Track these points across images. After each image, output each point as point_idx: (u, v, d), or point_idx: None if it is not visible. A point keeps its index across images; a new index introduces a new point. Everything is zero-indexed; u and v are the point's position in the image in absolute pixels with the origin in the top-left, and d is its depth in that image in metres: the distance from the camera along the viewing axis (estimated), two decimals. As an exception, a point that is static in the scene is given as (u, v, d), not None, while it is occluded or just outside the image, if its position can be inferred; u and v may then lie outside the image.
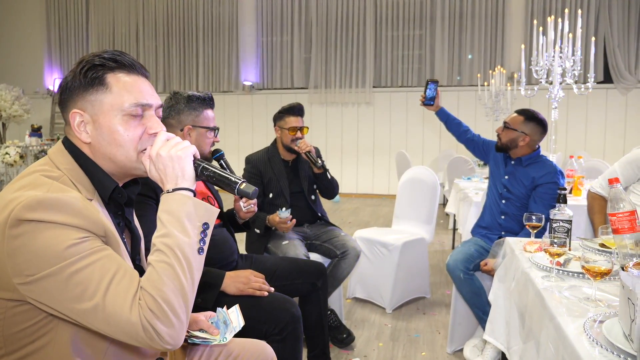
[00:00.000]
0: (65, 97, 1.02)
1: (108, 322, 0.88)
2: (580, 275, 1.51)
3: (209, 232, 1.01)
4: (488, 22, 8.23)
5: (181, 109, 1.91)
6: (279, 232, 2.62)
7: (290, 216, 2.46)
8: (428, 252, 3.51)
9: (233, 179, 1.07)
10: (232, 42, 9.27)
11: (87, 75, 1.00)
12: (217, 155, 1.98)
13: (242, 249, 2.43)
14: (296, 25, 8.96)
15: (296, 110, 2.74)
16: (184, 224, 0.97)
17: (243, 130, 9.37)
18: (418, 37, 8.58)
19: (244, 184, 1.07)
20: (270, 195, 2.72)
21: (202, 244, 0.99)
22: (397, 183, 3.76)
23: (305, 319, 2.14)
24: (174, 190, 1.00)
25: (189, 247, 0.96)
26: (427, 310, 3.29)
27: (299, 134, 2.69)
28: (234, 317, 1.39)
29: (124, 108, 1.01)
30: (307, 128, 2.76)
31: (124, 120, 1.01)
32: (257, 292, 1.84)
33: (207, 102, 1.96)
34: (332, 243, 2.71)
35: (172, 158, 1.01)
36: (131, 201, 1.15)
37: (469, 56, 8.37)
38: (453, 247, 5.02)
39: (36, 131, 7.02)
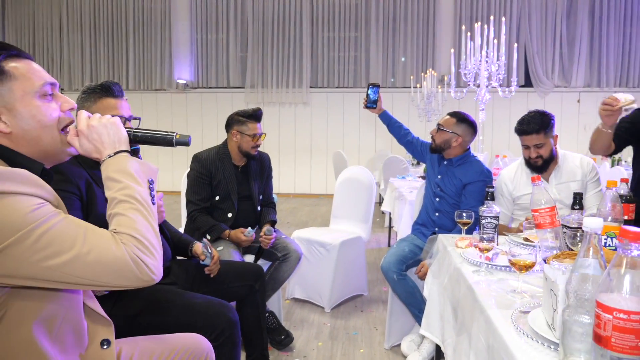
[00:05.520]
0: None
1: (93, 266, 0.91)
2: (507, 268, 1.59)
3: (155, 187, 1.11)
4: (420, 26, 8.52)
5: (77, 104, 1.76)
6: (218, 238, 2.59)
7: (254, 235, 2.57)
8: (365, 250, 3.56)
9: (167, 133, 1.16)
10: (165, 39, 8.96)
11: None
12: (132, 149, 1.85)
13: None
14: (232, 24, 8.81)
15: (259, 116, 2.67)
16: (135, 177, 1.05)
17: (177, 130, 8.96)
18: (353, 39, 8.73)
19: (179, 135, 1.16)
20: (217, 197, 2.64)
21: (152, 196, 1.08)
22: (335, 183, 3.79)
23: (243, 322, 2.10)
24: (115, 153, 1.07)
25: (146, 195, 1.05)
26: (364, 308, 3.34)
27: (260, 141, 2.66)
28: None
29: (36, 90, 1.02)
30: (265, 134, 2.71)
31: (41, 101, 1.03)
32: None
33: (102, 89, 1.76)
34: (273, 246, 2.68)
35: (105, 126, 1.08)
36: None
37: (402, 59, 8.62)
38: (389, 245, 5.14)
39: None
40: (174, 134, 1.16)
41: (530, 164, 2.39)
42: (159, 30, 8.98)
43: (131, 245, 0.95)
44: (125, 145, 1.10)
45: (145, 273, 0.95)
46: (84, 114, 1.10)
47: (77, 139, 1.08)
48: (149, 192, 1.06)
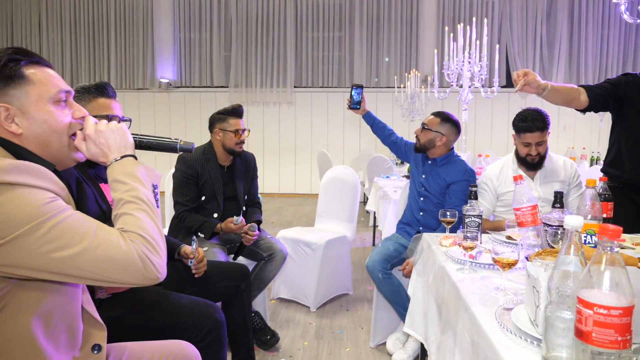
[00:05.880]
0: None
1: (100, 261, 0.93)
2: (491, 266, 1.61)
3: (158, 192, 1.15)
4: (403, 26, 8.58)
5: None
6: (202, 239, 2.57)
7: (243, 220, 2.56)
8: (350, 250, 3.58)
9: (171, 140, 1.21)
10: (147, 37, 8.86)
11: (4, 72, 1.03)
12: None
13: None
14: (215, 22, 8.76)
15: (239, 112, 2.67)
16: (141, 179, 1.10)
17: (160, 129, 8.98)
18: (337, 38, 8.75)
19: (182, 142, 1.21)
20: (203, 198, 2.63)
21: (156, 200, 1.12)
22: (319, 182, 3.80)
23: (229, 322, 2.09)
24: (121, 157, 1.12)
25: (151, 197, 1.09)
26: (350, 307, 3.35)
27: (243, 137, 2.64)
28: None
29: (51, 96, 1.07)
30: (249, 130, 2.71)
31: (54, 107, 1.07)
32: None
33: (96, 89, 1.77)
34: (258, 246, 2.68)
35: (113, 131, 1.13)
36: None
37: (386, 59, 8.67)
38: (374, 244, 5.17)
39: None
40: (178, 141, 1.21)
41: (527, 161, 2.41)
42: (141, 28, 8.88)
43: (139, 243, 0.98)
44: (131, 150, 1.15)
45: (152, 271, 0.98)
46: (91, 119, 1.14)
47: (84, 143, 1.12)
48: (153, 196, 1.11)
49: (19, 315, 0.97)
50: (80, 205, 1.62)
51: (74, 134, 1.12)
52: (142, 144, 1.21)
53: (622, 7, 1.36)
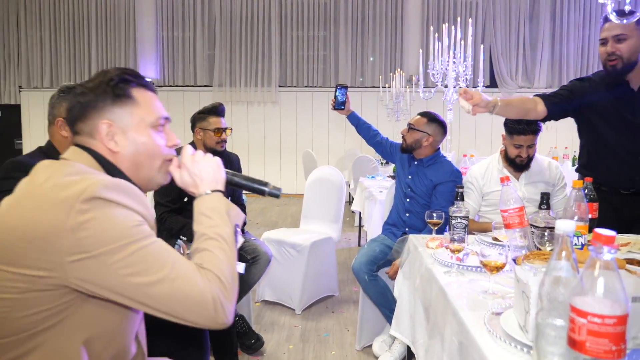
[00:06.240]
0: (87, 107, 1.05)
1: (174, 294, 0.91)
2: (478, 269, 1.59)
3: (239, 232, 1.17)
4: (388, 26, 8.59)
5: (54, 103, 1.74)
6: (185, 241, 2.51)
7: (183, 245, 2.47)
8: (335, 250, 3.55)
9: (260, 183, 1.22)
10: (129, 36, 8.72)
11: (116, 90, 1.06)
12: None
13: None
14: (199, 21, 8.66)
15: (219, 110, 2.62)
16: (226, 218, 1.09)
17: (142, 129, 8.86)
18: (322, 38, 8.72)
19: (272, 186, 1.22)
20: (186, 199, 2.57)
21: (236, 241, 1.10)
22: (304, 182, 3.76)
23: (212, 328, 2.05)
24: (212, 191, 1.12)
25: (232, 237, 1.07)
26: (335, 309, 3.32)
27: (224, 135, 2.59)
28: None
29: (152, 120, 1.09)
30: (231, 129, 2.65)
31: (153, 131, 1.10)
32: None
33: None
34: (242, 248, 2.63)
35: (208, 164, 1.15)
36: None
37: (371, 58, 8.67)
38: (359, 244, 5.15)
39: None
40: (267, 185, 1.22)
41: (515, 162, 2.41)
42: (122, 26, 8.74)
43: (214, 284, 0.95)
44: (222, 186, 1.16)
45: (221, 316, 0.94)
46: (189, 149, 1.16)
47: (179, 171, 1.14)
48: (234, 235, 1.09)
49: (73, 332, 0.95)
50: None
51: (170, 160, 1.14)
52: (232, 182, 1.22)
53: (609, 7, 1.35)
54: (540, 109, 2.16)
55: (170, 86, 8.83)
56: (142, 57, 8.76)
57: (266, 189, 1.21)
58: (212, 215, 1.08)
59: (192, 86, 8.82)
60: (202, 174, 1.13)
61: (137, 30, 8.71)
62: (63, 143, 1.72)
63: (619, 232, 2.09)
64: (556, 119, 2.31)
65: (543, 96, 2.21)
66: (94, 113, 1.05)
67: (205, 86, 8.80)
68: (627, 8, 1.36)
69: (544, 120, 2.26)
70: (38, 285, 0.89)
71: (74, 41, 8.81)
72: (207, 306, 0.93)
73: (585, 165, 2.33)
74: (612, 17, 1.39)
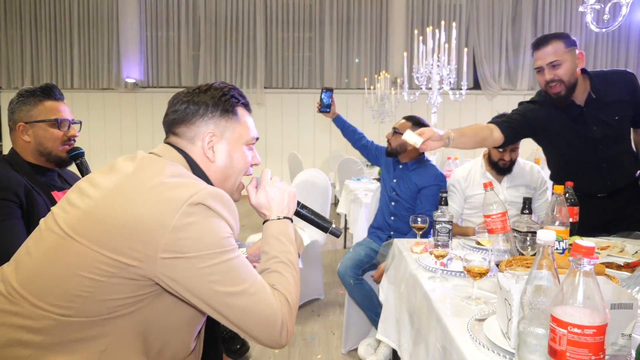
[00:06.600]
0: (196, 114, 1.12)
1: (250, 308, 0.95)
2: (462, 274, 1.61)
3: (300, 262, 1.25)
4: (373, 28, 8.62)
5: (14, 108, 1.66)
6: None
7: None
8: (321, 253, 3.55)
9: (325, 221, 1.29)
10: (112, 35, 8.61)
11: (226, 105, 1.14)
12: (75, 153, 1.73)
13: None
14: (183, 21, 8.59)
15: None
16: (295, 246, 1.15)
17: (126, 131, 8.76)
18: (308, 39, 8.72)
19: (334, 225, 1.29)
20: None
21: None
22: (290, 184, 3.75)
23: (197, 334, 2.03)
24: (284, 217, 1.19)
25: (298, 265, 1.13)
26: (321, 312, 3.33)
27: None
28: None
29: (247, 139, 1.18)
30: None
31: (245, 149, 1.18)
32: None
33: (42, 92, 1.67)
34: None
35: (284, 191, 1.22)
36: None
37: (356, 60, 8.69)
38: (345, 247, 5.16)
39: None
40: (331, 224, 1.30)
41: (498, 165, 2.45)
42: (105, 25, 8.63)
43: (284, 307, 1.00)
44: (291, 215, 1.22)
45: (284, 338, 0.99)
46: (269, 173, 1.25)
47: (255, 190, 1.22)
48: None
49: (139, 324, 0.99)
50: (30, 214, 1.54)
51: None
52: (299, 214, 1.27)
53: (589, 17, 1.37)
54: (497, 135, 2.16)
55: (154, 87, 8.74)
56: (125, 57, 8.66)
57: (329, 226, 1.29)
58: (284, 240, 1.13)
59: (177, 87, 8.73)
60: (278, 199, 1.20)
61: (121, 30, 8.61)
62: (26, 148, 1.65)
63: (601, 231, 2.14)
64: (514, 143, 2.32)
65: (497, 122, 2.21)
66: (202, 121, 1.12)
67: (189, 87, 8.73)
68: (605, 17, 1.39)
69: (502, 146, 2.25)
70: (125, 273, 0.93)
71: (55, 41, 8.67)
72: (276, 327, 0.98)
73: (554, 177, 2.37)
74: (592, 27, 1.41)
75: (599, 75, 2.11)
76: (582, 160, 2.18)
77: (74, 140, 1.76)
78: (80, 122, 1.79)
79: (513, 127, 2.18)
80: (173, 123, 1.14)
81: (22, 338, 0.94)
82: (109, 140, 8.61)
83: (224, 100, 1.14)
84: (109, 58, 8.64)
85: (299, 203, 1.26)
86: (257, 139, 1.22)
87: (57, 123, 1.68)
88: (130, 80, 8.62)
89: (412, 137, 1.93)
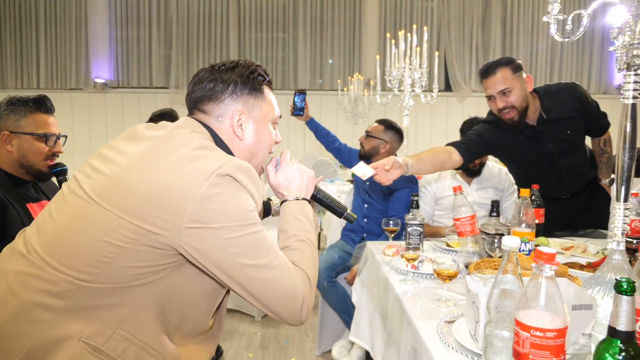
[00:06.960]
0: (225, 92, 1.12)
1: (272, 282, 0.96)
2: (433, 276, 1.64)
3: None
4: (346, 29, 8.67)
5: (0, 114, 1.62)
6: None
7: None
8: (295, 256, 3.56)
9: (340, 206, 1.30)
10: (80, 34, 8.39)
11: (254, 83, 1.15)
12: (57, 170, 1.71)
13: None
14: (154, 20, 8.45)
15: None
16: (313, 225, 1.17)
17: (95, 133, 8.55)
18: (281, 40, 8.70)
19: (348, 211, 1.31)
20: None
21: None
22: (264, 187, 3.74)
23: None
24: (302, 198, 1.20)
25: (317, 245, 1.15)
26: (295, 314, 3.33)
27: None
28: None
29: (273, 117, 1.21)
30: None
31: (271, 127, 1.20)
32: None
33: (34, 103, 1.64)
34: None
35: (305, 173, 1.23)
36: None
37: (330, 61, 8.72)
38: (319, 248, 5.18)
39: None
40: (346, 209, 1.31)
41: (468, 168, 2.50)
42: (73, 23, 8.40)
43: (306, 284, 1.01)
44: (309, 197, 1.23)
45: (304, 314, 1.01)
46: (289, 153, 1.26)
47: (275, 170, 1.22)
48: None
49: (158, 295, 0.99)
50: (5, 229, 1.48)
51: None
52: (315, 197, 1.28)
53: (552, 28, 1.42)
54: (456, 158, 2.18)
55: (125, 87, 8.57)
56: (94, 56, 8.46)
57: (344, 212, 1.30)
58: (304, 219, 1.15)
59: (148, 87, 8.59)
60: (297, 180, 1.21)
61: (89, 28, 8.40)
62: (6, 158, 1.61)
63: (567, 229, 2.22)
64: (473, 162, 2.36)
65: (455, 144, 2.24)
66: (231, 100, 1.13)
67: (161, 87, 8.59)
68: (567, 27, 1.44)
69: (461, 167, 2.28)
70: (148, 241, 0.93)
71: (20, 38, 8.40)
72: (297, 303, 0.98)
73: (518, 183, 2.45)
74: (556, 37, 1.46)
75: (547, 93, 2.17)
76: (541, 171, 2.26)
77: (58, 156, 1.73)
78: (66, 137, 1.76)
79: (471, 148, 2.21)
80: (200, 100, 1.14)
81: (43, 301, 0.93)
82: (78, 143, 8.39)
83: (252, 79, 1.15)
84: (77, 57, 8.42)
85: (315, 187, 1.28)
86: (281, 116, 1.25)
87: (44, 138, 1.65)
88: (99, 80, 8.43)
89: (360, 170, 1.86)
